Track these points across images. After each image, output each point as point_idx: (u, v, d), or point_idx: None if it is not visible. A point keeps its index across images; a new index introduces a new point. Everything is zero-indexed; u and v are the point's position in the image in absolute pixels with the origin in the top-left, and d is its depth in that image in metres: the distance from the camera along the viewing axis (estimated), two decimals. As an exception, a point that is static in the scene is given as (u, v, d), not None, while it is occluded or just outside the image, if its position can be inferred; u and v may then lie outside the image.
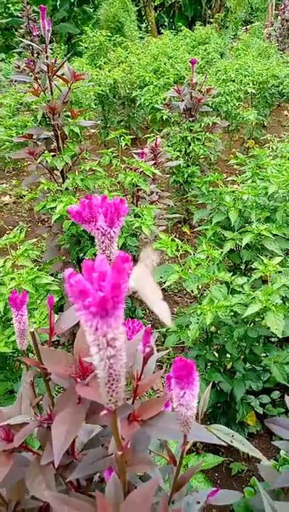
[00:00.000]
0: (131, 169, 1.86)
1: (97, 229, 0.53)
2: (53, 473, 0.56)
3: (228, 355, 1.38)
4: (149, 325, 0.57)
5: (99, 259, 0.34)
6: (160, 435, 0.52)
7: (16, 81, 4.94)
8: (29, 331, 0.59)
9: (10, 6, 8.59)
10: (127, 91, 4.48)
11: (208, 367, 1.42)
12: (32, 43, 1.85)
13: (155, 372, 0.60)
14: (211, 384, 0.69)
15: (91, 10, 9.29)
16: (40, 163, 1.87)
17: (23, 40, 2.69)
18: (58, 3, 8.96)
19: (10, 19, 8.52)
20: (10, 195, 4.32)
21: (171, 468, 0.69)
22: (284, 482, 0.86)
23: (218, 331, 1.41)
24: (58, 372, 0.51)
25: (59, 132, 1.88)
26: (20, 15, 5.42)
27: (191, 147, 2.77)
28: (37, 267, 2.99)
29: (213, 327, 1.39)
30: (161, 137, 2.88)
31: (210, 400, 1.39)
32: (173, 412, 0.55)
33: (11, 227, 3.60)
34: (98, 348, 0.35)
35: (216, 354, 1.39)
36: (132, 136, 2.21)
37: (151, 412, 0.53)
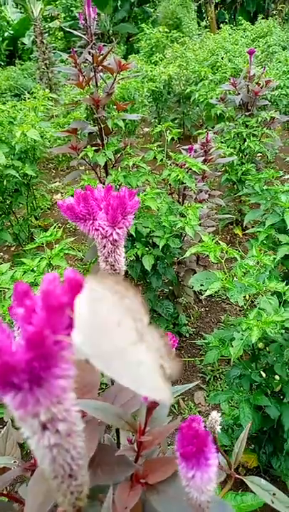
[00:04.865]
0: (177, 165, 1.73)
1: (96, 229, 0.40)
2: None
3: (276, 377, 1.21)
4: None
5: (47, 278, 0.20)
6: (170, 509, 0.38)
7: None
8: None
9: (73, 9, 8.70)
10: (182, 87, 4.32)
11: (254, 387, 1.26)
12: (76, 32, 1.76)
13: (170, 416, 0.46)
14: (247, 429, 0.55)
15: (151, 10, 9.23)
16: (82, 158, 1.79)
17: (82, 36, 2.62)
18: (118, 3, 8.97)
19: (72, 22, 8.62)
20: (62, 193, 4.34)
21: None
22: None
23: (267, 348, 1.24)
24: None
25: (102, 126, 1.78)
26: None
27: (246, 143, 2.58)
28: (83, 266, 2.93)
29: (261, 343, 1.23)
30: (215, 133, 2.72)
31: (254, 424, 1.23)
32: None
33: (60, 224, 3.58)
34: (31, 432, 0.21)
35: (263, 374, 1.22)
36: (182, 133, 2.07)
37: (161, 474, 0.40)
